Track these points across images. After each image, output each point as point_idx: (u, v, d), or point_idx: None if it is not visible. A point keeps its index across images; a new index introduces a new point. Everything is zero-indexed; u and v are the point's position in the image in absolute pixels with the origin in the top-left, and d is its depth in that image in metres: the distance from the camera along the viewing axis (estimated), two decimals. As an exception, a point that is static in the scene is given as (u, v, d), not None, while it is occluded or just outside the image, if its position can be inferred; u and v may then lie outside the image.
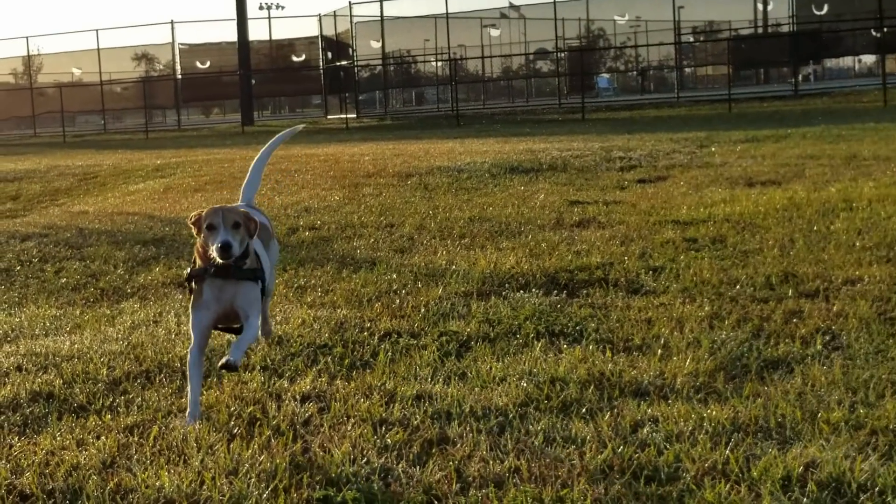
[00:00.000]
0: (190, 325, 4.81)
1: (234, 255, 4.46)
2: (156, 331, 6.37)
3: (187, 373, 4.73)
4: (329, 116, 48.70)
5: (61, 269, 8.99)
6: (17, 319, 7.09)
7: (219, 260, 4.48)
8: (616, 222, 9.63)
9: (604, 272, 7.34)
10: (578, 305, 6.44)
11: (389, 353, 5.53)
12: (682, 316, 6.02)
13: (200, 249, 4.71)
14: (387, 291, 7.17)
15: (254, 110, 49.63)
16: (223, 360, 4.47)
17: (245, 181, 5.78)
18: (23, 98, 53.84)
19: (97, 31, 61.42)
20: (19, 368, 5.62)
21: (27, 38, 76.68)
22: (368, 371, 5.26)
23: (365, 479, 3.75)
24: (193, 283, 4.74)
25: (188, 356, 4.73)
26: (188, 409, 4.61)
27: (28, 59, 59.81)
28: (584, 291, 6.87)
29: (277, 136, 6.37)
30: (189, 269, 4.80)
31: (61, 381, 5.27)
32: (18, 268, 9.23)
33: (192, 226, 4.71)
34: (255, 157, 5.91)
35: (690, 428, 4.15)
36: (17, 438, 4.50)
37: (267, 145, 6.10)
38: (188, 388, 4.67)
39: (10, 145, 41.89)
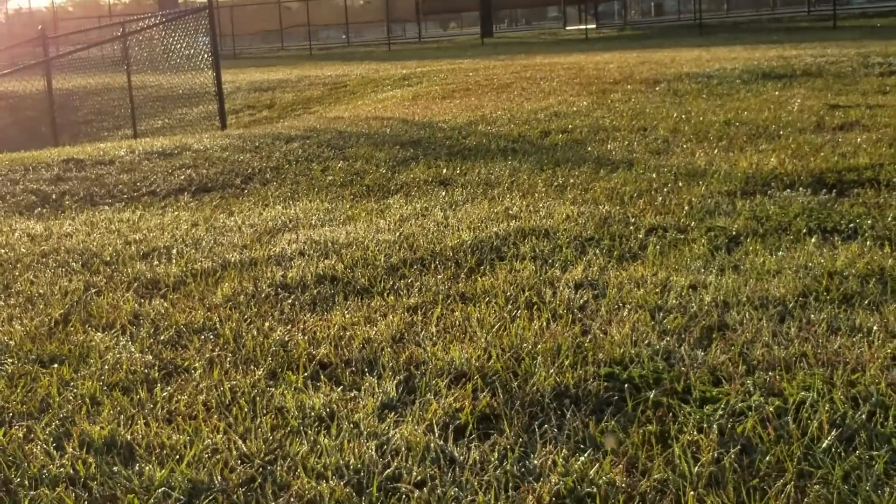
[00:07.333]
0: None
1: None
2: (425, 223, 6.58)
3: None
4: (567, 27, 48.25)
5: (327, 168, 9.37)
6: (293, 211, 7.45)
7: None
8: (882, 125, 9.26)
9: (874, 173, 7.11)
10: (850, 204, 6.27)
11: (658, 246, 5.55)
12: (964, 215, 5.79)
13: None
14: (647, 190, 7.16)
15: (493, 22, 49.66)
16: None
17: None
18: (270, 13, 55.64)
19: (341, -55, 62.61)
20: (302, 253, 5.93)
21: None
22: (638, 262, 5.30)
23: (648, 359, 3.81)
24: None
25: None
26: None
27: (275, -25, 61.74)
28: (855, 191, 6.68)
29: None
30: None
31: (342, 266, 5.54)
32: (287, 166, 9.67)
33: None
34: None
35: (985, 321, 4.02)
36: (309, 315, 4.78)
37: None
38: None
39: (260, 57, 43.51)
